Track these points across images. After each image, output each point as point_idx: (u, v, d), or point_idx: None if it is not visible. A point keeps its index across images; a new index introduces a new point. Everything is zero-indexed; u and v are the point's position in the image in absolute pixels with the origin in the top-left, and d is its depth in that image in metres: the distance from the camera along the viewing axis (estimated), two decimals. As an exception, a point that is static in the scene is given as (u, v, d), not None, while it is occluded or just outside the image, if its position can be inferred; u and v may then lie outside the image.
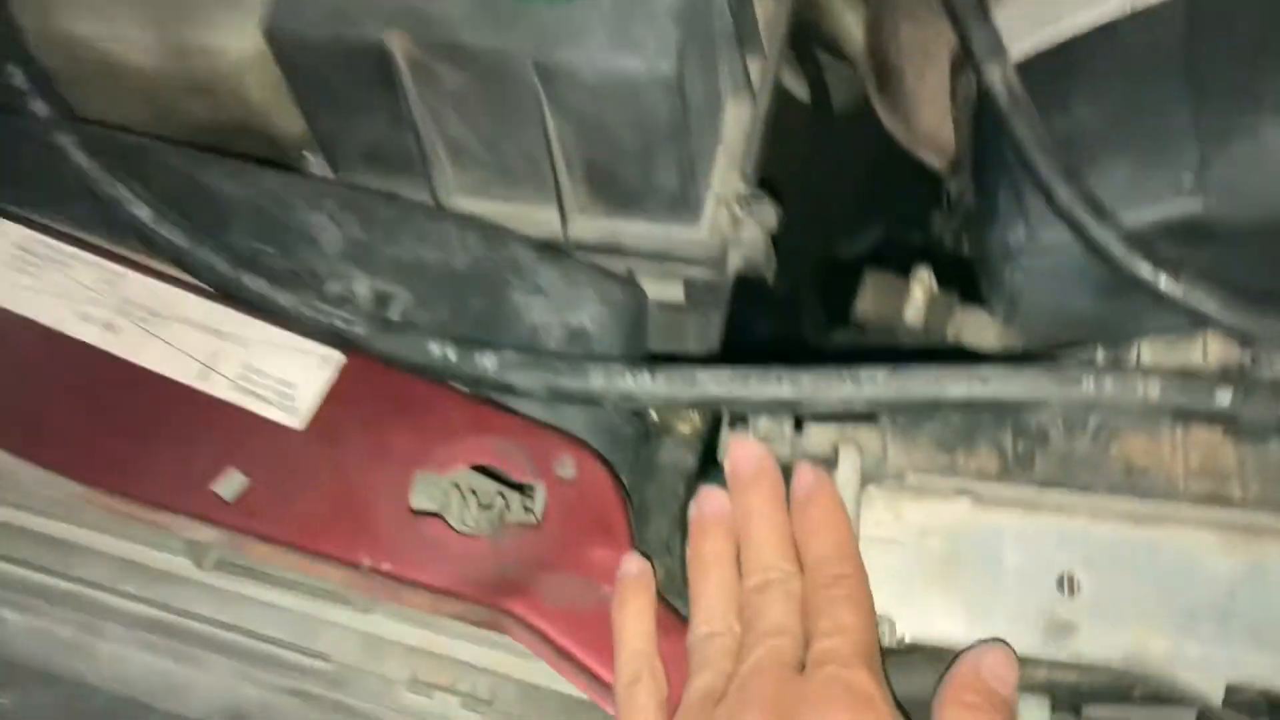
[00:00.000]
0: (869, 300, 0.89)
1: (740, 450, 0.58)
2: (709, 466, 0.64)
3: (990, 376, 0.56)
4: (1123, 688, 0.55)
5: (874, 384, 0.57)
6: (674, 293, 0.78)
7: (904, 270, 0.89)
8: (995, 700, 0.50)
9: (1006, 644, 0.53)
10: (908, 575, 0.56)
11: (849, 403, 0.58)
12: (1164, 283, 0.56)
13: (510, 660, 0.56)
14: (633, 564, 0.56)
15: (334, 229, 0.68)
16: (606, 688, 0.54)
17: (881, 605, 0.55)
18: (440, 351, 0.61)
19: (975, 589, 0.56)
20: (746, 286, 0.85)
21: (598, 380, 0.60)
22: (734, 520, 0.56)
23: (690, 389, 0.59)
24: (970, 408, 0.57)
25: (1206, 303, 0.55)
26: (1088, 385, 0.55)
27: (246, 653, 0.56)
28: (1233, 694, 0.54)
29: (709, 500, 0.58)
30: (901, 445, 0.59)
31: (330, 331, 0.62)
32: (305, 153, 0.79)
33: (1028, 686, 0.54)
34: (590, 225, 0.75)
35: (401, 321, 0.64)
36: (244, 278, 0.63)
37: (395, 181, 0.76)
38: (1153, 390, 0.55)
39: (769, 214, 0.76)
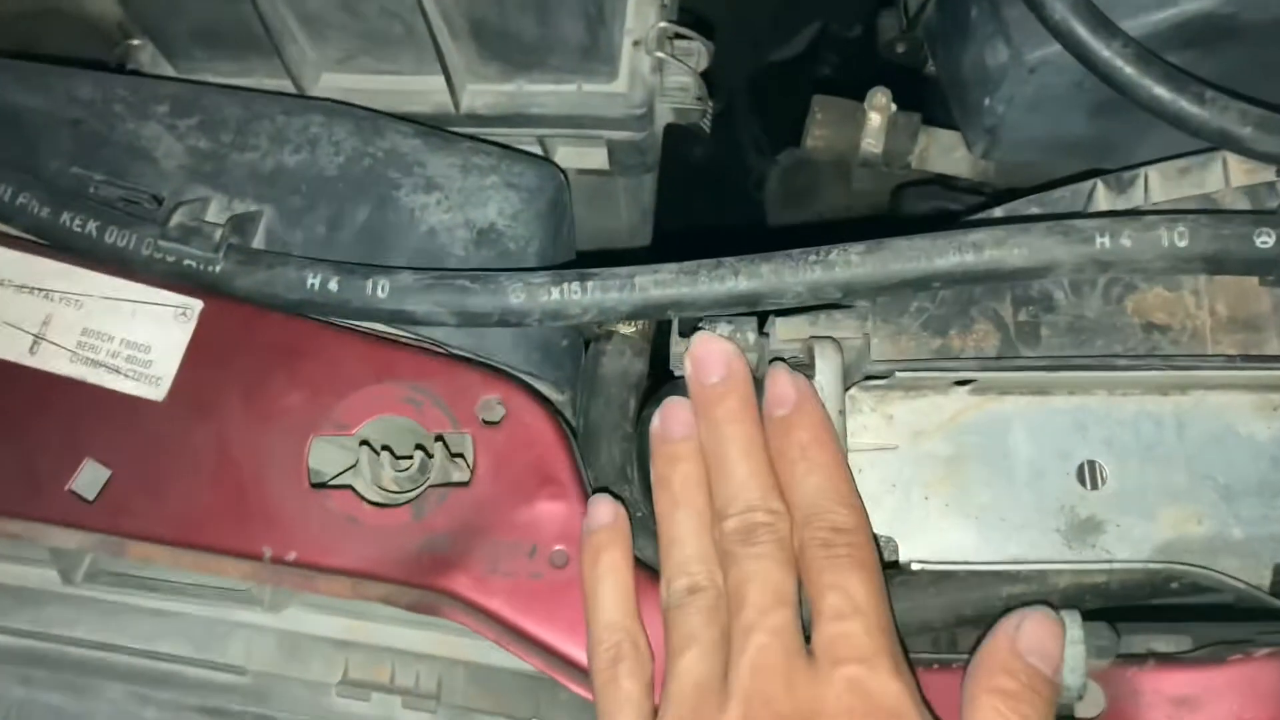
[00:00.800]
0: (819, 130, 0.78)
1: (703, 351, 0.48)
2: (661, 374, 0.55)
3: (985, 243, 0.47)
4: (1157, 583, 0.48)
5: (847, 265, 0.48)
6: (596, 158, 0.67)
7: (855, 90, 0.78)
8: (1037, 682, 0.42)
9: (1048, 610, 0.45)
10: (907, 486, 0.48)
11: (819, 290, 0.48)
12: (1187, 107, 0.46)
13: (454, 641, 0.48)
14: (604, 511, 0.47)
15: (171, 140, 0.55)
16: (569, 664, 0.46)
17: (880, 523, 0.47)
18: (318, 283, 0.50)
19: (984, 493, 0.48)
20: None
21: (517, 297, 0.49)
22: (699, 438, 0.48)
23: (630, 296, 0.49)
24: (965, 281, 0.48)
25: (1239, 127, 0.45)
26: (1102, 241, 0.46)
27: (144, 675, 0.47)
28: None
29: (673, 416, 0.48)
30: (885, 333, 0.50)
31: (182, 274, 0.50)
32: (131, 39, 0.65)
33: (1051, 597, 0.48)
34: (486, 92, 0.63)
35: (267, 251, 0.52)
36: (65, 218, 0.51)
37: (246, 65, 0.63)
38: (1179, 239, 0.45)
39: (699, 52, 0.64)
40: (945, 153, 0.79)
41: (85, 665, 0.47)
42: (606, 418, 0.56)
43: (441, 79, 0.62)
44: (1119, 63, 0.46)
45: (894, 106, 0.76)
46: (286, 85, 0.63)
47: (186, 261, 0.50)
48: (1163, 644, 0.51)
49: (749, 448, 0.46)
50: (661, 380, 0.54)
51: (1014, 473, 0.48)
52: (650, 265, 0.50)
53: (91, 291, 0.50)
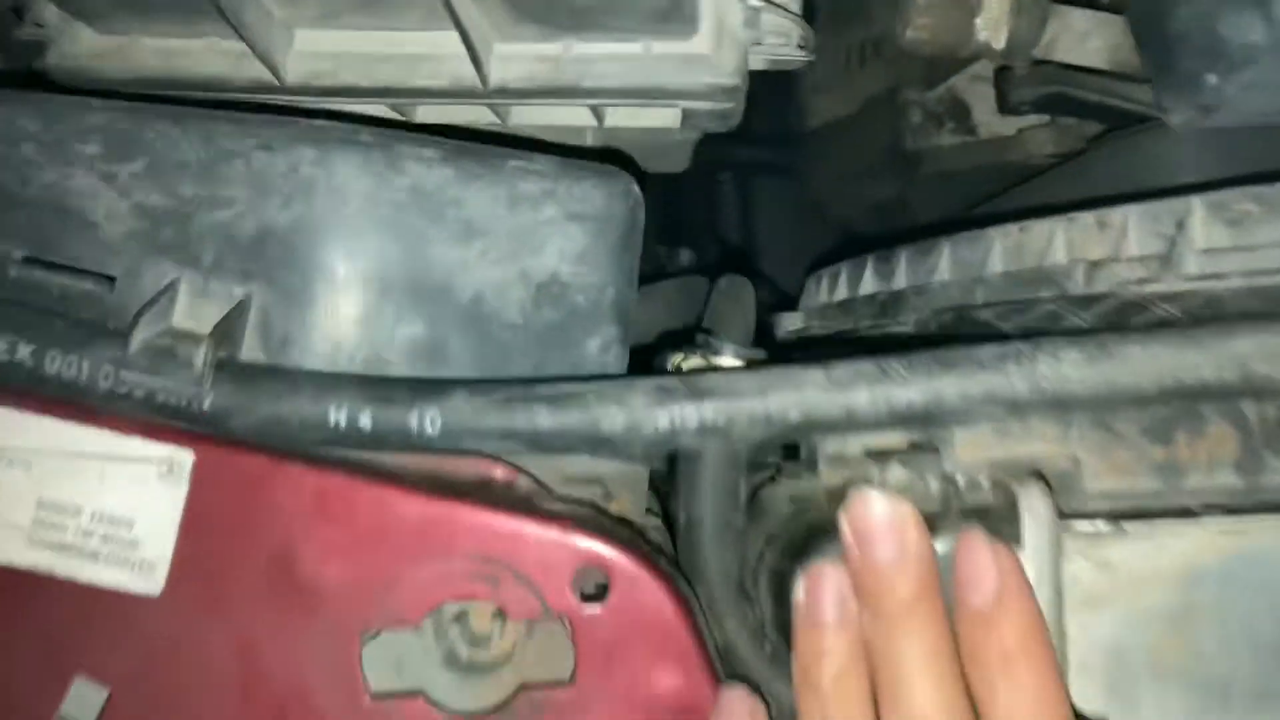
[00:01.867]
0: (922, 18, 0.63)
1: (868, 518, 0.36)
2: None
3: (1251, 356, 0.34)
4: None
5: (1062, 380, 0.36)
6: (666, 117, 0.52)
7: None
8: None
9: None
10: (1124, 651, 0.38)
11: (1019, 406, 0.36)
12: None
13: None
14: (736, 702, 0.38)
15: (112, 195, 0.40)
16: None
17: (1090, 700, 0.38)
18: (344, 419, 0.37)
19: (1219, 660, 0.38)
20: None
21: (611, 424, 0.37)
22: (861, 626, 0.37)
23: (763, 415, 0.37)
24: (1232, 396, 0.36)
25: None
26: None
27: None
28: None
29: (823, 590, 0.36)
30: (1095, 442, 0.38)
31: (158, 412, 0.37)
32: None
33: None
34: (521, 57, 0.47)
35: (269, 370, 0.39)
36: (-12, 338, 0.37)
37: (194, 29, 0.47)
38: None
39: (798, -18, 0.48)
40: (1079, 41, 0.63)
41: None
42: (711, 512, 0.45)
43: (457, 35, 0.46)
44: None
45: (1016, -19, 0.60)
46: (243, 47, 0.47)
47: (162, 398, 0.37)
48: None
49: (933, 655, 0.35)
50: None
51: (1257, 631, 0.38)
52: (786, 366, 0.38)
53: (41, 445, 0.37)
